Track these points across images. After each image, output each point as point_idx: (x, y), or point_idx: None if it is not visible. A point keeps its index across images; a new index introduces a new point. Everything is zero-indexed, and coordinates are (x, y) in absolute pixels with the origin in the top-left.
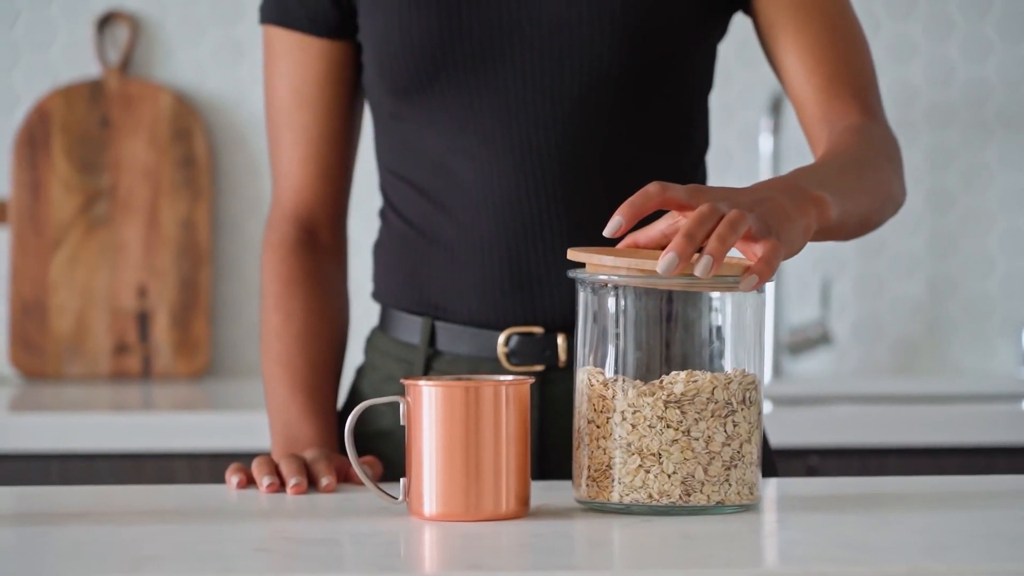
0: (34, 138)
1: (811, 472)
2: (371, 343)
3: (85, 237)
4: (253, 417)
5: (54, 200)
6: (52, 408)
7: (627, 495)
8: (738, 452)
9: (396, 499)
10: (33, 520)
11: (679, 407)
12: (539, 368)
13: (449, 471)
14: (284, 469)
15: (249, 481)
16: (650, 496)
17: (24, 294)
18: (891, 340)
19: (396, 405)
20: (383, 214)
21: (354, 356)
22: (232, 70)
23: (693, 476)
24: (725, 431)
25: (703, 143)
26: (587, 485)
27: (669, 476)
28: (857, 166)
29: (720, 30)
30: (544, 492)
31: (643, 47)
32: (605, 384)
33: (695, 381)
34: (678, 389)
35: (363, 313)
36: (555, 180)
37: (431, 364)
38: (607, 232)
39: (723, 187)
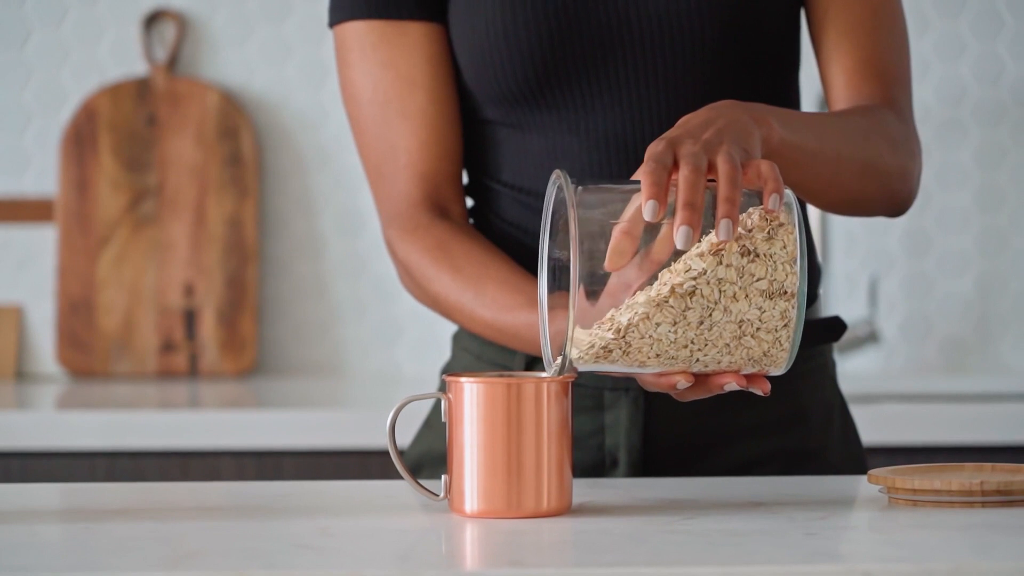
0: (81, 136)
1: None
2: (462, 346)
3: (132, 235)
4: (299, 415)
5: (101, 198)
6: (99, 406)
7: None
8: (771, 282)
9: (437, 496)
10: (77, 516)
11: (682, 296)
12: None
13: (490, 468)
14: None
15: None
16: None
17: (71, 292)
18: (939, 339)
19: None
20: (475, 213)
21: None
22: (279, 68)
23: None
24: (740, 296)
25: None
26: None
27: (770, 335)
28: (836, 124)
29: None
30: (587, 489)
31: (750, 28)
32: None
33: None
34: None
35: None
36: None
37: (532, 368)
38: (650, 217)
39: (680, 129)
